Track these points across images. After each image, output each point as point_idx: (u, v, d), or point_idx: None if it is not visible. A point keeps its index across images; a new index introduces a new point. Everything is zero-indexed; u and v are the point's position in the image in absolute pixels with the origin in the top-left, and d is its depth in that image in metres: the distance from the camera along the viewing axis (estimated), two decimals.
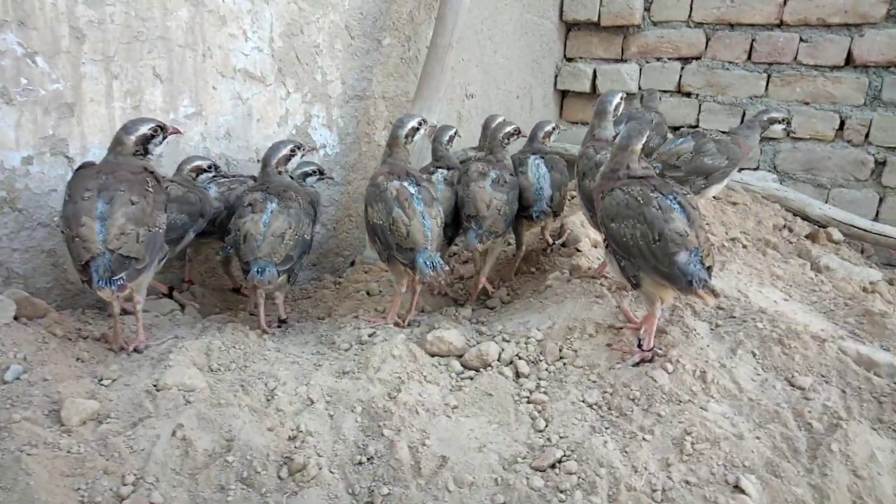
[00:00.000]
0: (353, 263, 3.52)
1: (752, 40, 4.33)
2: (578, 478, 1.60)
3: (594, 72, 4.90)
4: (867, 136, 4.08)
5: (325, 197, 3.39)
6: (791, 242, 3.72)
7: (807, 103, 4.24)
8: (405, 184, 2.30)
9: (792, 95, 4.27)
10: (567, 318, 2.22)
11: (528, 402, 1.91)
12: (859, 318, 2.27)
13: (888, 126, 4.01)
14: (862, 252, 4.08)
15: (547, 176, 2.66)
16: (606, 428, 1.78)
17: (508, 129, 2.70)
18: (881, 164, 4.07)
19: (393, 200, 2.25)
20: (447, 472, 1.60)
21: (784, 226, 3.86)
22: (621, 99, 2.62)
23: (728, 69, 4.45)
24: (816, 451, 1.68)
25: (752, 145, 2.85)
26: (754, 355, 2.00)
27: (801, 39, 4.18)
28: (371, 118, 3.64)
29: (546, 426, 1.81)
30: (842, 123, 4.14)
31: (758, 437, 1.70)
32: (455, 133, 3.00)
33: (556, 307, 2.31)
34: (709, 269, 1.89)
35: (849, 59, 4.06)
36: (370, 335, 2.19)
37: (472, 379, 2.00)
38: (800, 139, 4.26)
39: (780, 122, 2.89)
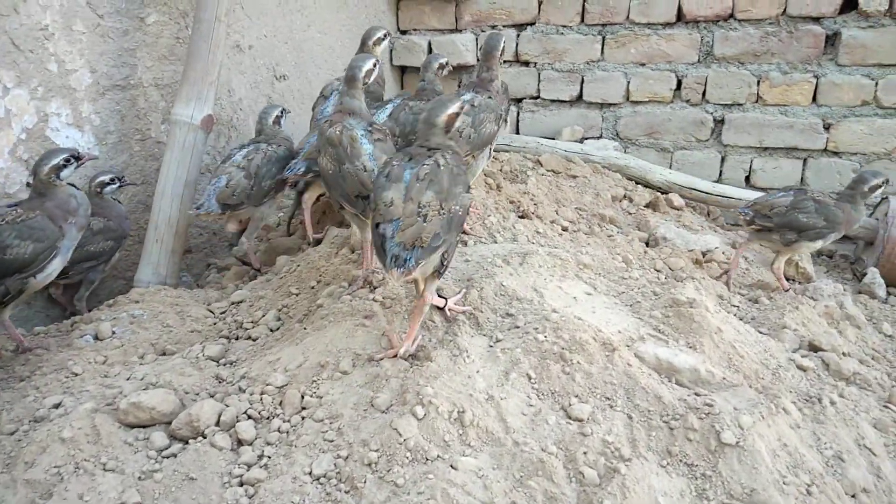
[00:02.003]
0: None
1: (584, 1, 3.96)
2: None
3: (429, 44, 4.41)
4: (704, 94, 3.81)
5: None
6: (630, 213, 3.40)
7: (643, 64, 3.92)
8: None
9: (627, 57, 3.94)
10: (322, 350, 1.74)
11: (241, 485, 1.41)
12: (665, 311, 1.91)
13: (723, 83, 3.75)
14: (708, 215, 3.84)
15: None
16: None
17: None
18: (720, 123, 3.82)
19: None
20: None
21: (624, 196, 3.54)
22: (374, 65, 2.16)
23: (563, 34, 4.07)
24: None
25: (858, 218, 2.69)
26: (530, 378, 1.59)
27: None
28: (142, 111, 2.99)
29: None
30: (679, 83, 3.86)
31: (513, 503, 1.29)
32: (282, 112, 2.92)
33: (315, 336, 1.83)
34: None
35: (679, 15, 3.77)
36: (55, 405, 1.63)
37: (175, 457, 1.49)
38: (639, 102, 3.95)
39: (880, 188, 2.71)
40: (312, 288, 2.20)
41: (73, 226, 2.08)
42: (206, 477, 1.42)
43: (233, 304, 2.34)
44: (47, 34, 2.59)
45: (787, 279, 3.09)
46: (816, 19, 3.49)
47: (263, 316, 2.15)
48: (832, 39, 3.50)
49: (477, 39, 4.30)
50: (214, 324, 2.22)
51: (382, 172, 1.72)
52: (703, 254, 2.95)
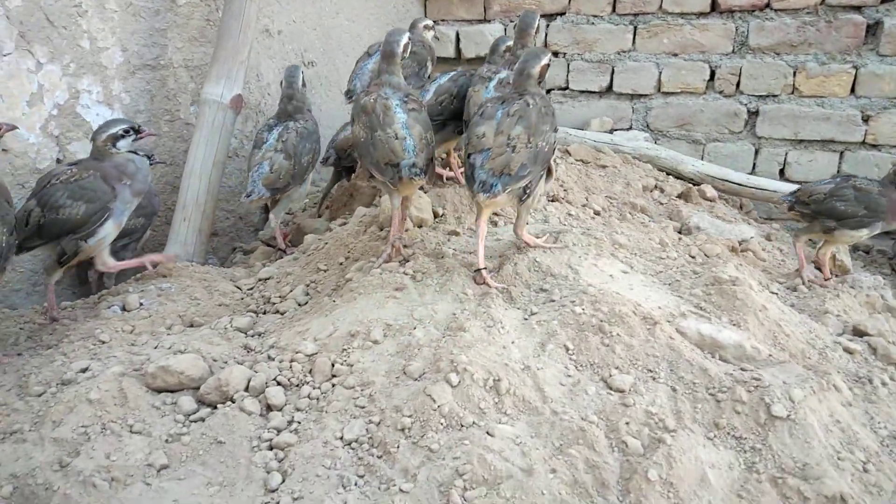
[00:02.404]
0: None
1: None
2: None
3: (457, 34, 4.38)
4: (738, 85, 3.72)
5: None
6: (662, 204, 3.33)
7: (675, 55, 3.84)
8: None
9: (660, 48, 3.87)
10: (353, 321, 1.70)
11: (270, 448, 1.37)
12: (707, 289, 1.84)
13: (758, 74, 3.66)
14: (741, 208, 3.75)
15: None
16: (361, 477, 1.27)
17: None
18: (754, 115, 3.73)
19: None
20: None
21: (655, 186, 3.46)
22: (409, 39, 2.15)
23: (593, 23, 4.01)
24: (629, 483, 1.22)
25: None
26: (567, 350, 1.53)
27: None
28: (171, 91, 3.00)
29: (282, 482, 1.29)
30: (712, 74, 3.77)
31: (553, 470, 1.23)
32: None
33: (345, 307, 1.78)
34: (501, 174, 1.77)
35: (714, 5, 3.69)
36: (83, 370, 1.61)
37: (203, 421, 1.46)
38: (671, 94, 3.88)
39: None
40: (341, 264, 2.16)
41: (128, 188, 2.07)
42: (234, 441, 1.39)
43: (260, 280, 2.31)
44: (80, 11, 2.60)
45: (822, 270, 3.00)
46: (858, 8, 3.40)
47: (291, 291, 2.12)
48: (873, 29, 3.39)
49: (505, 30, 4.26)
50: (242, 299, 2.19)
51: (477, 112, 1.94)
52: (739, 242, 2.87)
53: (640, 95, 3.96)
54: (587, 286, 1.76)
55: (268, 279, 2.31)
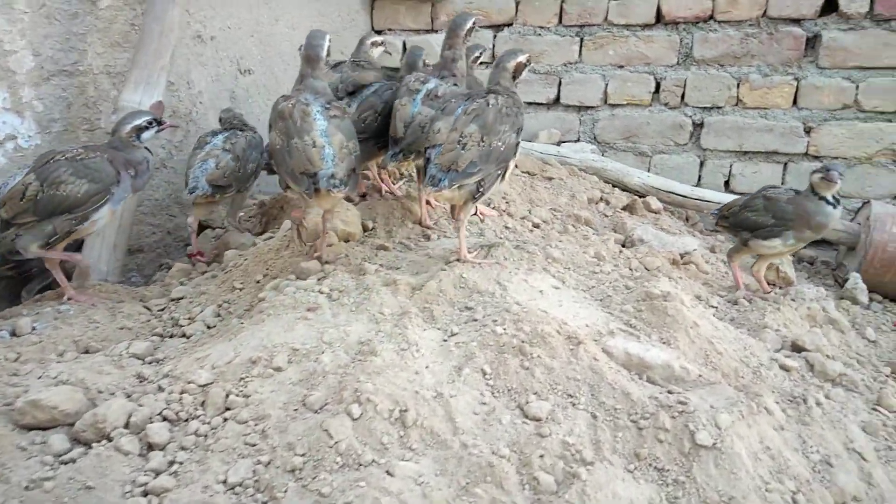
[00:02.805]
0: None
1: (562, 1, 3.86)
2: None
3: (404, 44, 4.28)
4: (683, 97, 3.70)
5: None
6: (607, 216, 3.26)
7: (621, 66, 3.81)
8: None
9: (606, 59, 3.83)
10: (257, 345, 1.55)
11: (145, 495, 1.21)
12: (638, 305, 1.74)
13: (702, 85, 3.65)
14: (687, 220, 3.71)
15: None
16: None
17: None
18: (699, 126, 3.71)
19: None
20: None
21: (601, 198, 3.40)
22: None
23: (540, 35, 3.96)
24: None
25: (817, 213, 2.39)
26: (485, 374, 1.41)
27: None
28: (91, 99, 2.81)
29: None
30: (657, 86, 3.75)
31: None
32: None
33: (252, 330, 1.63)
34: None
35: (659, 17, 3.67)
36: None
37: (74, 462, 1.29)
38: (617, 105, 3.84)
39: (831, 182, 2.36)
40: (258, 282, 2.01)
41: (130, 179, 2.06)
42: (105, 485, 1.22)
43: (172, 300, 2.14)
44: None
45: (768, 283, 2.96)
46: (797, 21, 3.41)
47: (202, 312, 1.96)
48: (813, 42, 3.41)
49: None
50: (148, 321, 2.02)
51: (440, 107, 1.97)
52: (682, 255, 2.81)
53: (588, 107, 3.92)
54: (513, 304, 1.65)
55: (181, 299, 2.14)
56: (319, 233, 2.02)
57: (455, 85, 2.31)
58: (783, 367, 1.75)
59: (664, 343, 1.59)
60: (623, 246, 2.82)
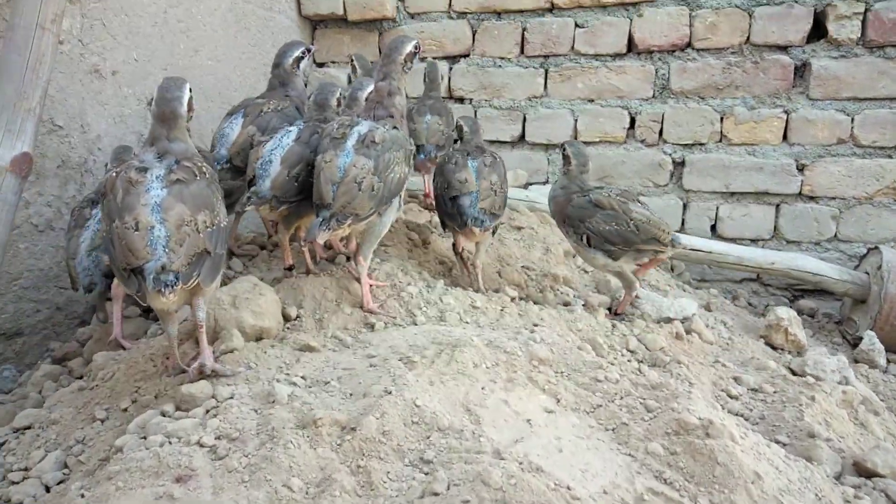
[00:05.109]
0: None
1: (524, 29, 3.37)
2: None
3: (349, 78, 3.72)
4: (661, 133, 3.24)
5: None
6: (586, 272, 2.73)
7: (591, 100, 3.33)
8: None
9: (574, 92, 3.34)
10: None
11: None
12: (670, 442, 1.18)
13: (682, 120, 3.19)
14: (672, 269, 3.22)
15: None
16: None
17: None
18: (680, 165, 3.24)
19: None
20: None
21: None
22: None
23: (501, 66, 3.46)
24: None
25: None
26: None
27: (576, 24, 3.28)
28: None
29: None
30: (632, 121, 3.28)
31: None
32: None
33: None
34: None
35: (630, 45, 3.22)
36: None
37: None
38: (589, 143, 3.34)
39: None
40: (125, 410, 1.37)
41: None
42: None
43: (15, 431, 1.48)
44: None
45: (776, 347, 2.48)
46: (783, 48, 2.99)
47: (43, 459, 1.30)
48: (802, 70, 2.99)
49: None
50: None
51: (452, 159, 2.14)
52: (682, 320, 2.29)
53: (556, 145, 3.41)
54: (492, 457, 1.06)
55: (26, 429, 1.48)
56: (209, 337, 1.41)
57: (395, 128, 1.74)
58: None
59: None
60: (610, 311, 2.28)
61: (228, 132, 2.15)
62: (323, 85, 2.09)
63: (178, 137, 1.41)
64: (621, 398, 1.34)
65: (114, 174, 1.34)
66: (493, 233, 2.12)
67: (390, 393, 1.23)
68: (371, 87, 1.96)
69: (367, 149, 1.57)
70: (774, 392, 1.91)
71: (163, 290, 1.20)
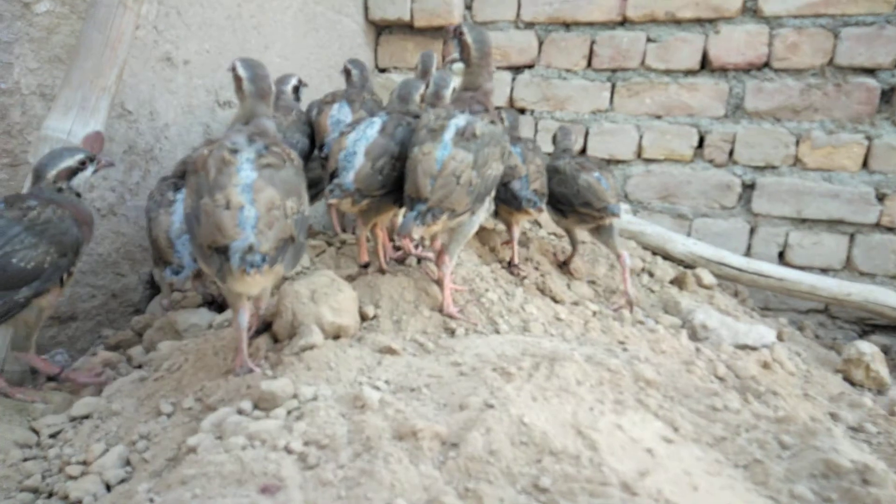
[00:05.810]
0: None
1: (592, 42, 3.23)
2: None
3: None
4: (731, 153, 3.05)
5: None
6: (653, 291, 2.54)
7: (659, 116, 3.16)
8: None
9: (641, 108, 3.18)
10: None
11: None
12: (820, 486, 1.00)
13: (754, 141, 3.00)
14: (736, 295, 3.02)
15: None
16: None
17: None
18: (749, 188, 3.04)
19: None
20: None
21: (643, 269, 2.69)
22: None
23: (566, 79, 3.31)
24: None
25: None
26: None
27: (648, 39, 3.13)
28: (16, 126, 2.06)
29: None
30: (701, 140, 3.10)
31: None
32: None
33: None
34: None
35: (705, 62, 3.05)
36: None
37: None
38: (653, 161, 3.17)
39: None
40: (189, 409, 1.23)
41: None
42: None
43: (72, 420, 1.35)
44: None
45: (854, 383, 2.26)
46: (870, 71, 2.79)
47: (104, 454, 1.16)
48: (888, 95, 2.78)
49: None
50: (25, 460, 1.22)
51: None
52: (767, 346, 2.09)
53: (618, 161, 3.24)
54: (620, 486, 0.89)
55: (84, 418, 1.34)
56: (281, 329, 1.28)
57: (493, 122, 1.60)
58: None
59: None
60: (686, 333, 2.10)
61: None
62: (406, 80, 1.96)
63: (270, 115, 1.31)
64: (747, 431, 1.15)
65: (205, 152, 1.24)
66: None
67: (492, 407, 1.07)
68: (454, 83, 1.83)
69: (466, 142, 1.43)
70: (878, 433, 1.69)
71: (248, 269, 1.08)
